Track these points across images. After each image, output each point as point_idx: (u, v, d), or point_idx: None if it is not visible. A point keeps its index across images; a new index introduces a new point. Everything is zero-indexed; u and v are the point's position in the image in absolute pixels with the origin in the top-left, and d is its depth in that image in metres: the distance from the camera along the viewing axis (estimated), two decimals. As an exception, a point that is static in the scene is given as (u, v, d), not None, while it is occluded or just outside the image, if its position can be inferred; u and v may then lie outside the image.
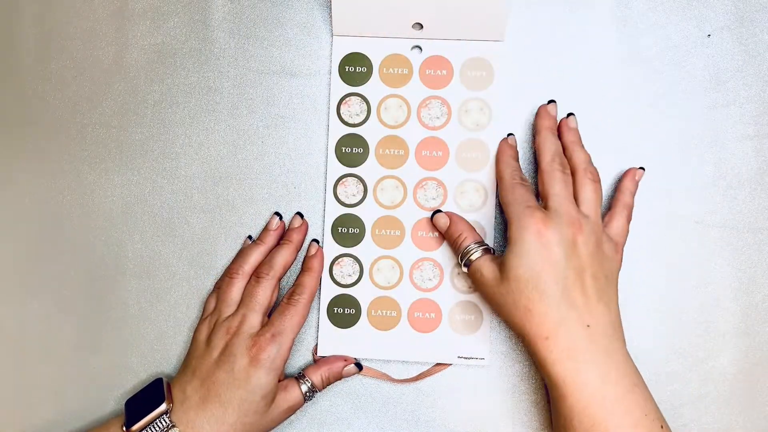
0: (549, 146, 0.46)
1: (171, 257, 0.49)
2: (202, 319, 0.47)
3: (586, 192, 0.44)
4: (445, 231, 0.47)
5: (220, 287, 0.47)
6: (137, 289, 0.49)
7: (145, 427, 0.42)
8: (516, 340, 0.48)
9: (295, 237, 0.48)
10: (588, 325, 0.41)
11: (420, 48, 0.49)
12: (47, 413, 0.49)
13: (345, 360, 0.47)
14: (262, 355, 0.43)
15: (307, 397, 0.46)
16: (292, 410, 0.45)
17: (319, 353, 0.48)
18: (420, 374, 0.48)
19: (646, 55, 0.49)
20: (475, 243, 0.45)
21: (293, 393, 0.45)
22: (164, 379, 0.45)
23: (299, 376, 0.46)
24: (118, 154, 0.50)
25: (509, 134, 0.49)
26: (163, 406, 0.42)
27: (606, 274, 0.42)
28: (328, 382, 0.47)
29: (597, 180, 0.45)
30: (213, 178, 0.49)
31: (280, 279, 0.47)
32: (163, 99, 0.50)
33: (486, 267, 0.44)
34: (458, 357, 0.48)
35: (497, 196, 0.48)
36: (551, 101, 0.48)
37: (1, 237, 0.50)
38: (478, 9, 0.47)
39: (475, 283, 0.45)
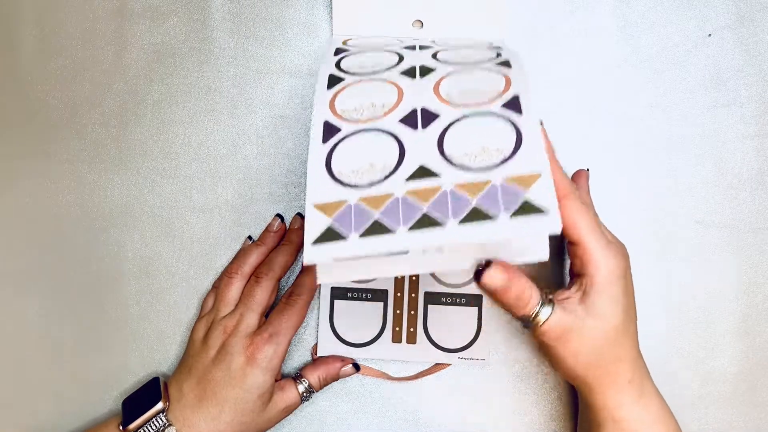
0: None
1: (171, 257, 0.49)
2: (199, 318, 0.47)
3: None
4: (501, 292, 0.35)
5: (218, 286, 0.47)
6: (137, 289, 0.49)
7: (141, 425, 0.42)
8: (516, 339, 0.48)
9: (295, 238, 0.47)
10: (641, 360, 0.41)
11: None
12: (47, 413, 0.49)
13: (342, 360, 0.47)
14: (259, 355, 0.43)
15: (304, 397, 0.46)
16: (289, 410, 0.45)
17: (319, 353, 0.48)
18: (419, 373, 0.48)
19: (646, 55, 0.49)
20: (543, 296, 0.37)
21: (290, 393, 0.45)
22: (161, 379, 0.45)
23: (296, 376, 0.46)
24: (117, 153, 0.50)
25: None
26: (159, 405, 0.42)
27: None
28: (325, 383, 0.47)
29: None
30: (213, 178, 0.49)
31: (279, 280, 0.46)
32: (162, 99, 0.50)
33: (563, 320, 0.37)
34: (458, 357, 0.48)
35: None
36: None
37: (0, 237, 0.50)
38: (476, 7, 0.47)
39: (551, 340, 0.37)
